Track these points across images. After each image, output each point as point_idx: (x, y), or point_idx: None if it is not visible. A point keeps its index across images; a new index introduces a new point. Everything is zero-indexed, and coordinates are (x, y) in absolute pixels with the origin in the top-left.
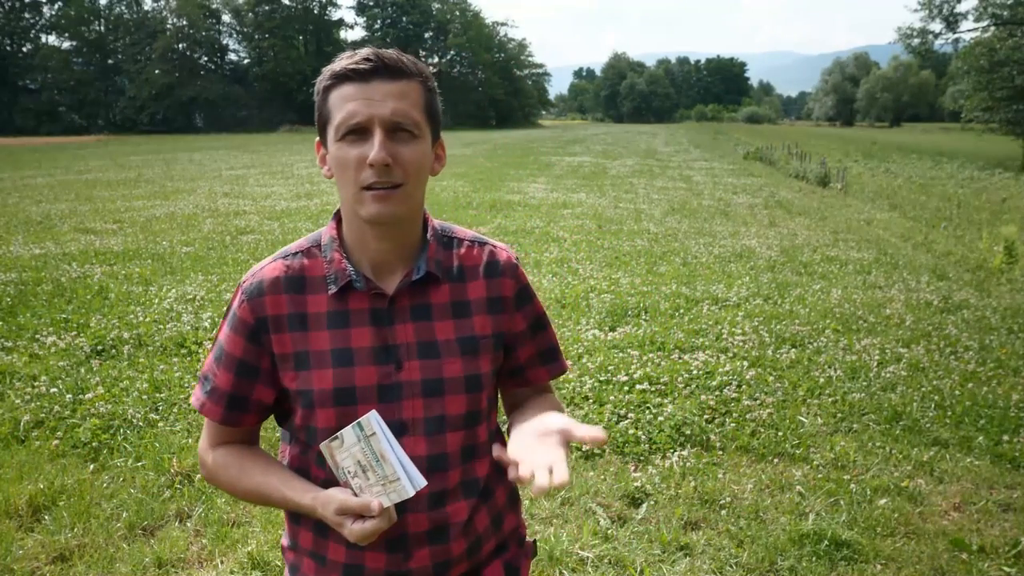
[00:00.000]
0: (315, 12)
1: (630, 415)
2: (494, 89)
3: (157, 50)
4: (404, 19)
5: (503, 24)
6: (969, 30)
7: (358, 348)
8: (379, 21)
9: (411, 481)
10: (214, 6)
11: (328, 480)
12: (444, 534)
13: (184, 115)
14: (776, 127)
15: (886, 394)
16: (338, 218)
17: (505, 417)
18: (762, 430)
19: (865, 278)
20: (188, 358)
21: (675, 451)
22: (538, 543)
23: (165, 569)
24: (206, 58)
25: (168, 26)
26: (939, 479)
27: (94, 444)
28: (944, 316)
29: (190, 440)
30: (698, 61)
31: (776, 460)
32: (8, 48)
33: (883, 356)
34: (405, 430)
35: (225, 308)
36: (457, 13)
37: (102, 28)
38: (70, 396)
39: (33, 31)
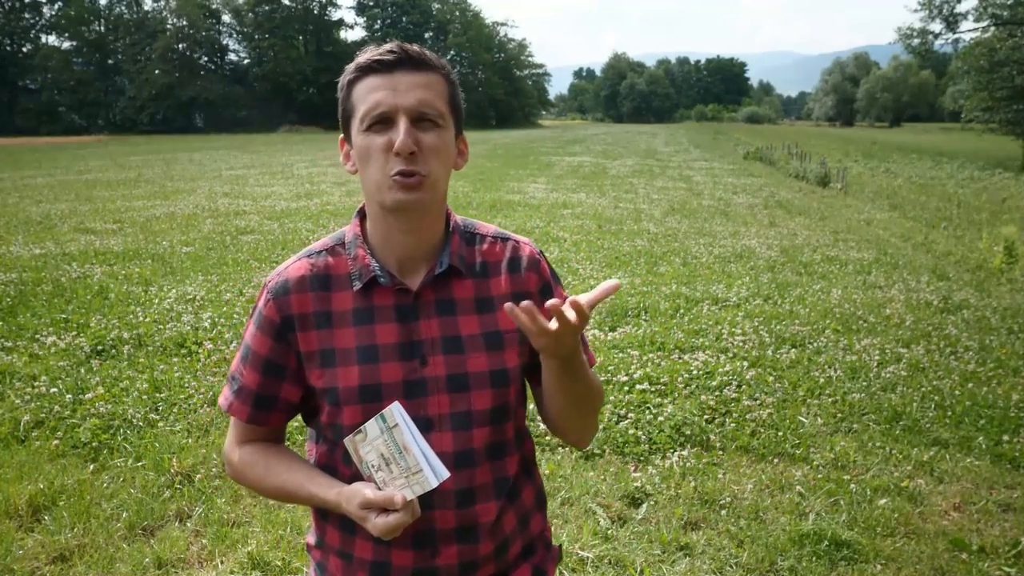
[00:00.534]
0: (315, 12)
1: (630, 415)
2: (494, 89)
3: (157, 50)
4: (404, 19)
5: (503, 24)
6: (969, 30)
7: (383, 344)
8: (379, 21)
9: (434, 472)
10: (214, 6)
11: (355, 477)
12: (472, 533)
13: (184, 115)
14: (776, 127)
15: (886, 394)
16: (361, 216)
17: (541, 421)
18: (762, 430)
19: (865, 278)
20: (188, 358)
21: (675, 451)
22: None
23: (165, 569)
24: (206, 58)
25: (168, 26)
26: (939, 479)
27: (94, 444)
28: (944, 316)
29: (190, 440)
30: (698, 61)
31: (776, 460)
32: (8, 48)
33: (883, 356)
34: (431, 426)
35: (251, 308)
36: (457, 13)
37: (102, 28)
38: (70, 396)
39: (33, 31)
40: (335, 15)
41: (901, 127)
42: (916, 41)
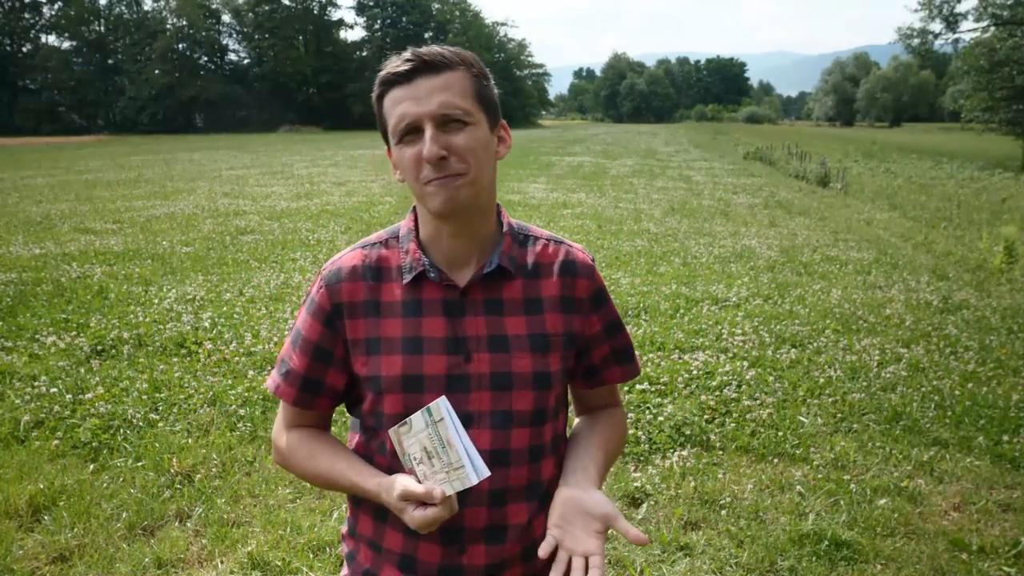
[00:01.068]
0: (315, 12)
1: (630, 415)
2: None
3: (157, 50)
4: (404, 19)
5: (503, 24)
6: (969, 30)
7: (429, 337)
8: (379, 21)
9: (475, 470)
10: (214, 6)
11: (391, 468)
12: (501, 534)
13: (184, 115)
14: (776, 127)
15: (886, 394)
16: (416, 212)
17: (574, 417)
18: (762, 430)
19: (865, 278)
20: (188, 358)
21: (675, 451)
22: None
23: (165, 569)
24: (206, 58)
25: (168, 26)
26: (939, 479)
27: (94, 444)
28: (944, 316)
29: (190, 440)
30: (698, 61)
31: (776, 460)
32: (8, 48)
33: (883, 356)
34: (471, 422)
35: (304, 295)
36: (457, 13)
37: (102, 28)
38: (70, 396)
39: (33, 31)
40: (335, 15)
41: (901, 127)
42: (916, 41)
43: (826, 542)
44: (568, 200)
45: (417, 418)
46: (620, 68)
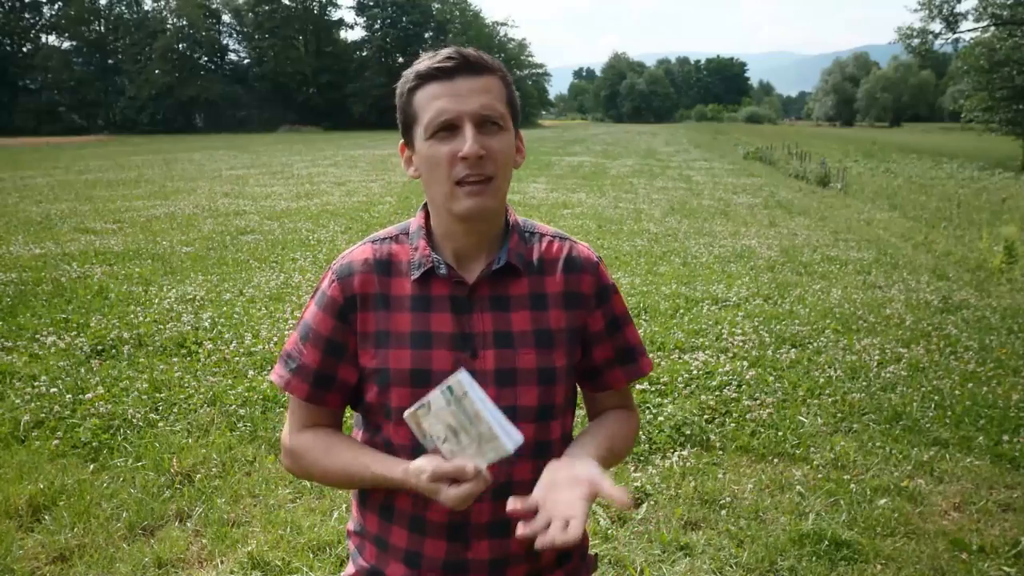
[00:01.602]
0: (315, 12)
1: None
2: None
3: (157, 50)
4: (404, 19)
5: (503, 24)
6: (969, 30)
7: (437, 332)
8: (379, 21)
9: (509, 437)
10: (214, 6)
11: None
12: (505, 529)
13: (184, 115)
14: (776, 127)
15: (886, 394)
16: (427, 208)
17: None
18: (762, 430)
19: (865, 278)
20: (188, 358)
21: (675, 451)
22: None
23: (165, 569)
24: (206, 58)
25: (168, 26)
26: (939, 479)
27: (94, 444)
28: (944, 316)
29: (190, 440)
30: (698, 61)
31: (776, 460)
32: (8, 48)
33: (883, 356)
34: None
35: (313, 290)
36: (457, 13)
37: (102, 28)
38: (70, 396)
39: (33, 31)
40: (335, 15)
41: (901, 127)
42: (916, 41)
43: (826, 542)
44: (568, 200)
45: (436, 397)
46: (620, 68)
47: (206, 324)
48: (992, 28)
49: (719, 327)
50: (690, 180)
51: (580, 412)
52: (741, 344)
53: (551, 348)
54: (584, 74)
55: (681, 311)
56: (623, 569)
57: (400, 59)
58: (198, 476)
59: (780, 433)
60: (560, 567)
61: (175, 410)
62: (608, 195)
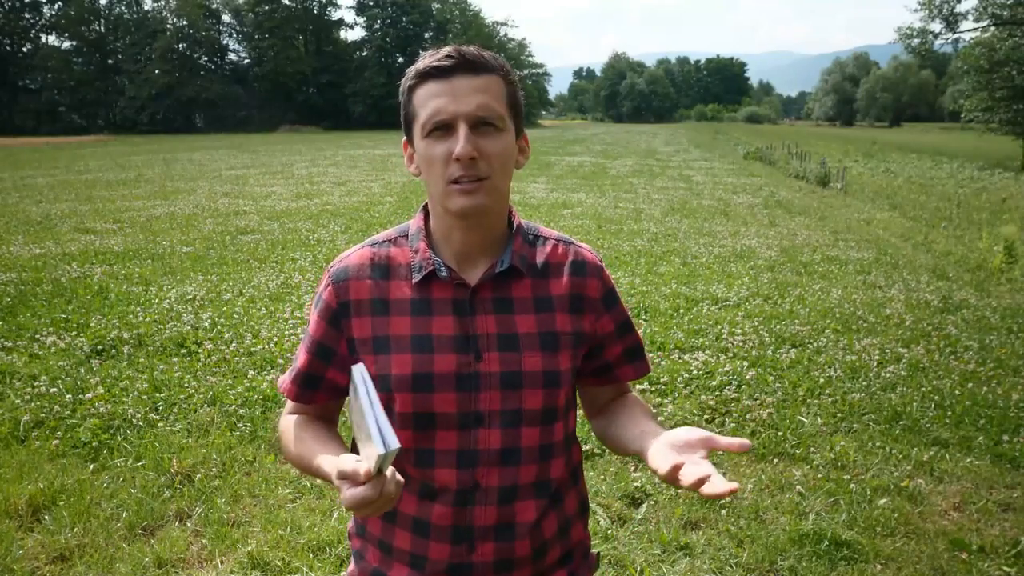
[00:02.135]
0: (315, 12)
1: None
2: None
3: (157, 50)
4: (404, 19)
5: (503, 24)
6: (969, 30)
7: (439, 336)
8: (379, 21)
9: (383, 441)
10: (214, 6)
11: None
12: (510, 531)
13: (184, 115)
14: (776, 127)
15: (886, 394)
16: (426, 210)
17: (588, 421)
18: (762, 430)
19: (865, 278)
20: (188, 358)
21: None
22: None
23: (165, 569)
24: (206, 58)
25: (168, 26)
26: (939, 479)
27: (94, 444)
28: (944, 316)
29: (190, 440)
30: (698, 61)
31: (776, 460)
32: (8, 48)
33: (883, 356)
34: (481, 421)
35: (314, 292)
36: (457, 13)
37: (102, 28)
38: (70, 396)
39: (33, 31)
40: (335, 15)
41: (901, 127)
42: (916, 41)
43: (826, 542)
44: (568, 200)
45: (351, 385)
46: (620, 68)
47: (206, 324)
48: (992, 28)
49: (719, 327)
50: (690, 180)
51: (579, 412)
52: (741, 344)
53: (556, 351)
54: (584, 74)
55: (681, 311)
56: (623, 569)
57: (400, 59)
58: (198, 476)
59: (780, 433)
60: (563, 567)
61: (175, 410)
62: (608, 195)
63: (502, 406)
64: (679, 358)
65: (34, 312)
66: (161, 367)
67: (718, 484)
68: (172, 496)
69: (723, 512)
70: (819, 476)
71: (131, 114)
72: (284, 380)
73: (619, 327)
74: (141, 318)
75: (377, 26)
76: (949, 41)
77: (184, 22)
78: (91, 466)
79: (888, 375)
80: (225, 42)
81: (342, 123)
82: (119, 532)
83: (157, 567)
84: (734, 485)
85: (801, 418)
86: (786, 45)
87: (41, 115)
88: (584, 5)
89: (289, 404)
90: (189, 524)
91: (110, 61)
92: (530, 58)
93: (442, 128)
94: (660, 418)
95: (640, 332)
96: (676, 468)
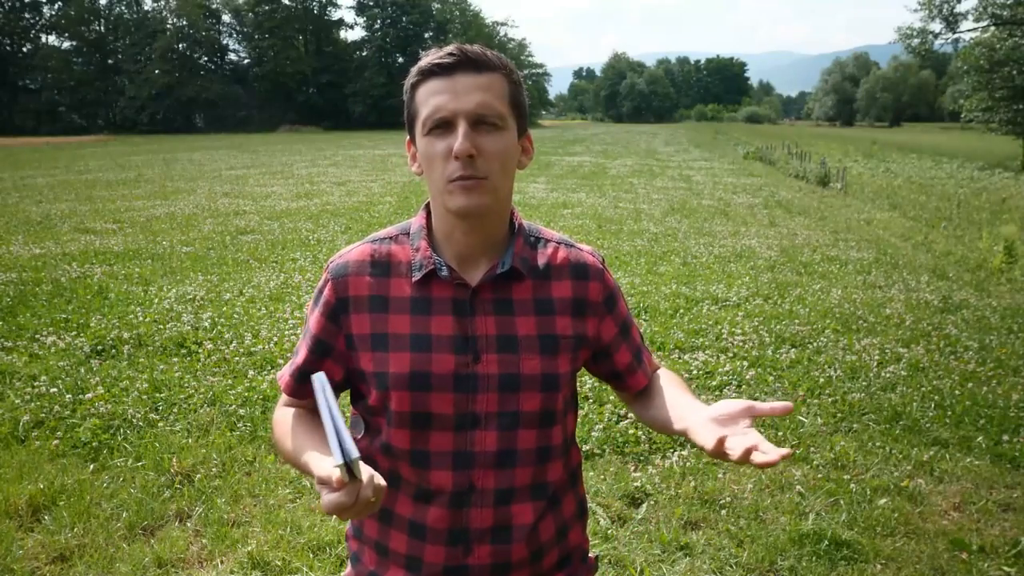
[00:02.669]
0: (315, 12)
1: (630, 415)
2: None
3: (157, 50)
4: (404, 19)
5: (503, 24)
6: (969, 30)
7: (438, 335)
8: (379, 21)
9: (341, 450)
10: (214, 6)
11: (392, 471)
12: (507, 534)
13: (184, 115)
14: (776, 127)
15: (886, 394)
16: (428, 209)
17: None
18: (762, 430)
19: (865, 278)
20: (188, 358)
21: (675, 451)
22: None
23: (165, 569)
24: (206, 58)
25: (168, 26)
26: (939, 479)
27: (94, 444)
28: (944, 316)
29: (190, 440)
30: (698, 61)
31: None
32: (8, 48)
33: (883, 356)
34: (478, 423)
35: (315, 288)
36: (457, 13)
37: (102, 28)
38: (70, 396)
39: (33, 31)
40: (335, 15)
41: (901, 127)
42: (916, 41)
43: (826, 542)
44: (568, 200)
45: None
46: (620, 68)
47: (206, 324)
48: (992, 28)
49: (719, 327)
50: (690, 180)
51: (579, 412)
52: (741, 344)
53: (555, 354)
54: (584, 74)
55: (681, 311)
56: (623, 569)
57: (400, 59)
58: (198, 476)
59: (780, 433)
60: (561, 570)
61: (175, 410)
62: (608, 195)
63: (499, 408)
64: (679, 358)
65: (34, 312)
66: (161, 367)
67: (770, 452)
68: (172, 496)
69: (723, 512)
70: (819, 476)
71: (131, 114)
72: (283, 374)
73: (622, 329)
74: (141, 318)
75: (377, 26)
76: (949, 41)
77: (184, 22)
78: (91, 466)
79: (888, 375)
80: (225, 42)
81: (342, 123)
82: (119, 532)
83: (157, 567)
84: (786, 451)
85: (801, 418)
86: (786, 45)
87: (41, 115)
88: (584, 5)
89: (284, 397)
90: (189, 524)
91: (110, 61)
92: (530, 58)
93: (442, 125)
94: None
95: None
96: (721, 441)
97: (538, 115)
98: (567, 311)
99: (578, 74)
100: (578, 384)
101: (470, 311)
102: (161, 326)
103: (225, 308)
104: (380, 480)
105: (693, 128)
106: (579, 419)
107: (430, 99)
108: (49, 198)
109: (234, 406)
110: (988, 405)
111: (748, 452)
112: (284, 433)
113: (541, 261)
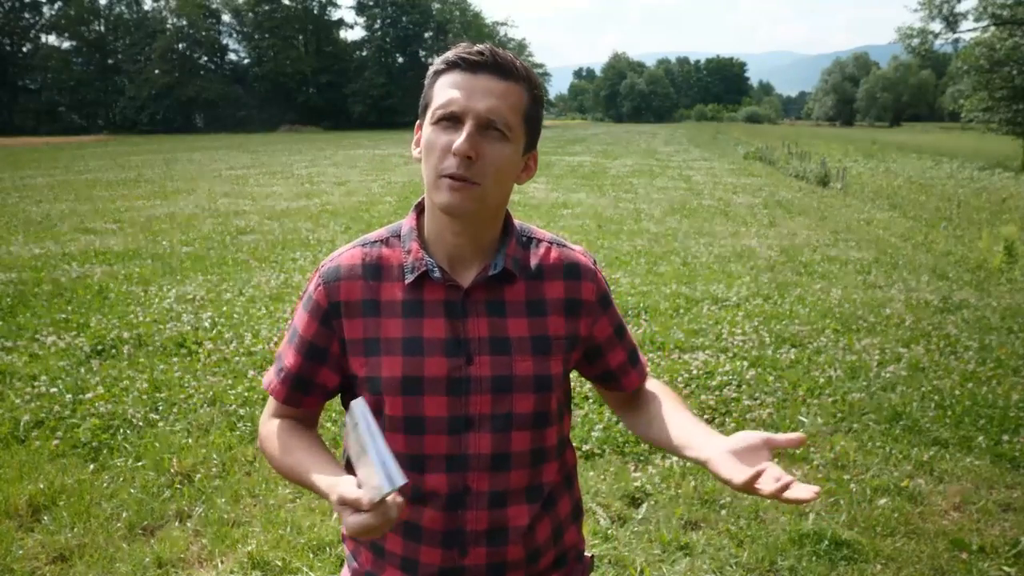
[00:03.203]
0: (315, 12)
1: None
2: None
3: (157, 50)
4: (404, 19)
5: (503, 24)
6: (969, 30)
7: (430, 338)
8: (379, 21)
9: (388, 478)
10: (214, 6)
11: None
12: (502, 536)
13: (184, 115)
14: (776, 127)
15: (886, 394)
16: (418, 210)
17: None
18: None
19: (865, 278)
20: (188, 358)
21: None
22: None
23: (165, 569)
24: (206, 58)
25: (168, 26)
26: (939, 479)
27: (94, 444)
28: (944, 316)
29: (190, 440)
30: (698, 61)
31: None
32: (8, 48)
33: (883, 356)
34: (471, 426)
35: (301, 292)
36: (457, 13)
37: (102, 28)
38: (70, 396)
39: (33, 31)
40: (335, 15)
41: (901, 127)
42: (916, 41)
43: (826, 542)
44: (568, 200)
45: (348, 417)
46: (620, 68)
47: (206, 324)
48: (992, 28)
49: (719, 327)
50: (690, 180)
51: (579, 412)
52: (741, 344)
53: (548, 355)
54: (584, 74)
55: (681, 311)
56: (623, 569)
57: (400, 59)
58: (198, 476)
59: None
60: (557, 570)
61: (175, 410)
62: (608, 195)
63: (492, 410)
64: (679, 358)
65: (34, 312)
66: (161, 367)
67: (802, 491)
68: (172, 496)
69: (723, 512)
70: (819, 476)
71: (131, 114)
72: (271, 380)
73: (616, 330)
74: (141, 318)
75: (377, 26)
76: (949, 41)
77: (184, 22)
78: (91, 466)
79: (888, 375)
80: (225, 42)
81: (342, 123)
82: (119, 532)
83: (157, 567)
84: (817, 488)
85: (801, 418)
86: (786, 45)
87: (41, 115)
88: (584, 5)
89: (272, 405)
90: (189, 524)
91: (110, 61)
92: (530, 58)
93: (451, 119)
94: None
95: (640, 332)
96: (755, 477)
97: None
98: (560, 311)
99: (578, 74)
100: (579, 384)
101: (462, 313)
102: (161, 326)
103: (225, 308)
104: (399, 498)
105: (693, 128)
106: (579, 419)
107: (447, 90)
108: (49, 198)
109: (234, 406)
110: (988, 405)
111: (783, 488)
112: (279, 448)
113: (533, 261)
